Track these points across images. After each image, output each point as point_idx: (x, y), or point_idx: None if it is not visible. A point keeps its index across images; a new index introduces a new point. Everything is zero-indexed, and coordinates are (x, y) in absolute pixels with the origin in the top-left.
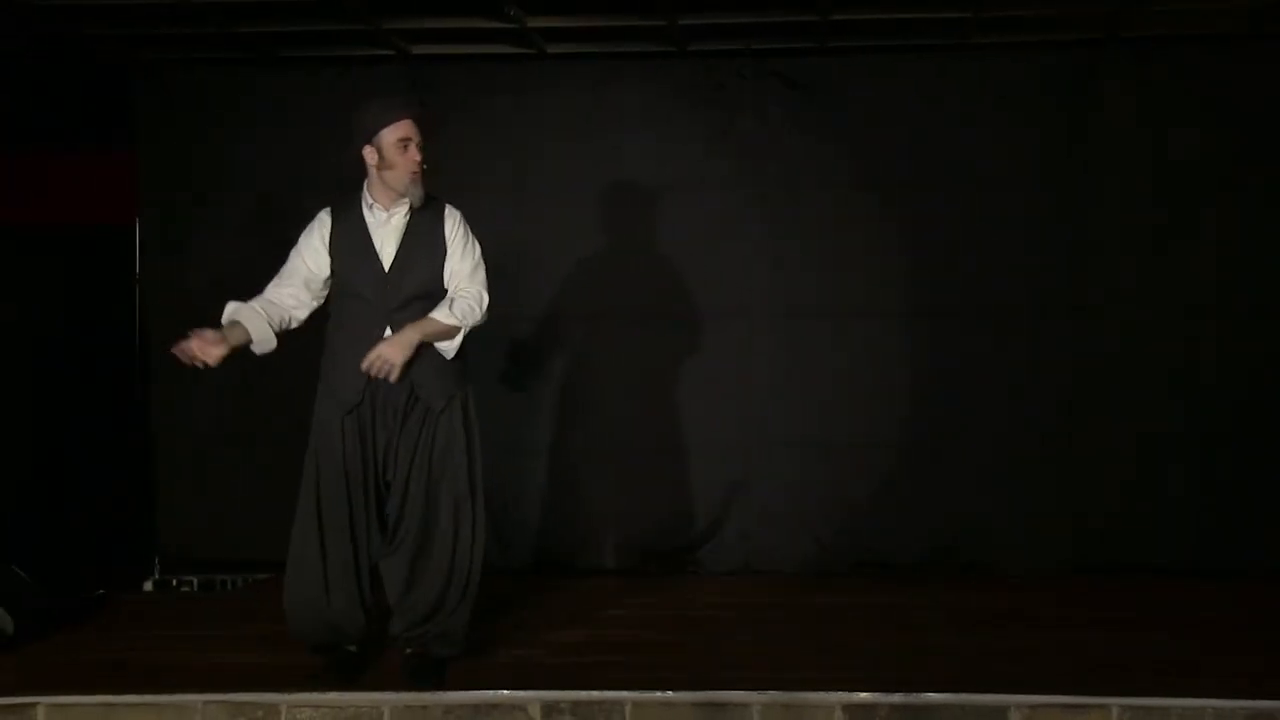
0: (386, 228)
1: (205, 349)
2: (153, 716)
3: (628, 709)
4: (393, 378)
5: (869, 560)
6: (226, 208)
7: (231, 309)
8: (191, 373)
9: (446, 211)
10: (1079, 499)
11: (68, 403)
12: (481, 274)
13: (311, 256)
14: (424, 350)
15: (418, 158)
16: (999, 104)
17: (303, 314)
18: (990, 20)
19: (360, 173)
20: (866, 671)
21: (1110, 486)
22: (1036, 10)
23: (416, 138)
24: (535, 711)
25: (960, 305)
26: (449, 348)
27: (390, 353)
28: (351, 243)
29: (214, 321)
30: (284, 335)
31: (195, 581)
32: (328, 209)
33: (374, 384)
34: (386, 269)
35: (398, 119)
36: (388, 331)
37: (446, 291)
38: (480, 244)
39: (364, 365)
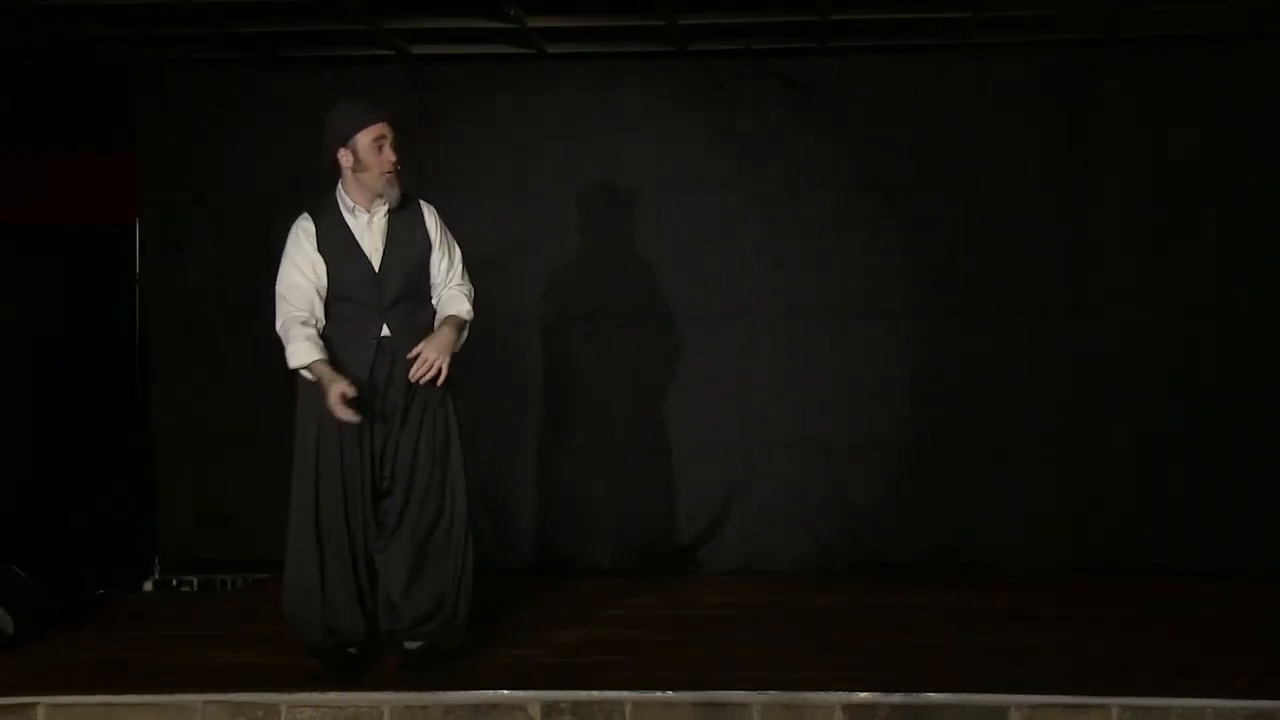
0: (370, 229)
1: (348, 401)
2: (153, 716)
3: (628, 709)
4: (441, 380)
5: (869, 560)
6: (226, 208)
7: (309, 352)
8: (191, 373)
9: (424, 208)
10: (1079, 499)
11: (68, 403)
12: (460, 268)
13: (310, 267)
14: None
15: (392, 158)
16: (999, 104)
17: (319, 325)
18: (990, 20)
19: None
20: (866, 671)
21: (1110, 486)
22: (1036, 10)
23: (391, 137)
24: (535, 711)
25: (960, 305)
26: (458, 342)
27: (436, 355)
28: (338, 246)
29: (213, 322)
30: None
31: (195, 581)
32: (306, 215)
33: (374, 383)
34: (377, 269)
35: (371, 121)
36: (385, 330)
37: (432, 286)
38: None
39: (413, 374)
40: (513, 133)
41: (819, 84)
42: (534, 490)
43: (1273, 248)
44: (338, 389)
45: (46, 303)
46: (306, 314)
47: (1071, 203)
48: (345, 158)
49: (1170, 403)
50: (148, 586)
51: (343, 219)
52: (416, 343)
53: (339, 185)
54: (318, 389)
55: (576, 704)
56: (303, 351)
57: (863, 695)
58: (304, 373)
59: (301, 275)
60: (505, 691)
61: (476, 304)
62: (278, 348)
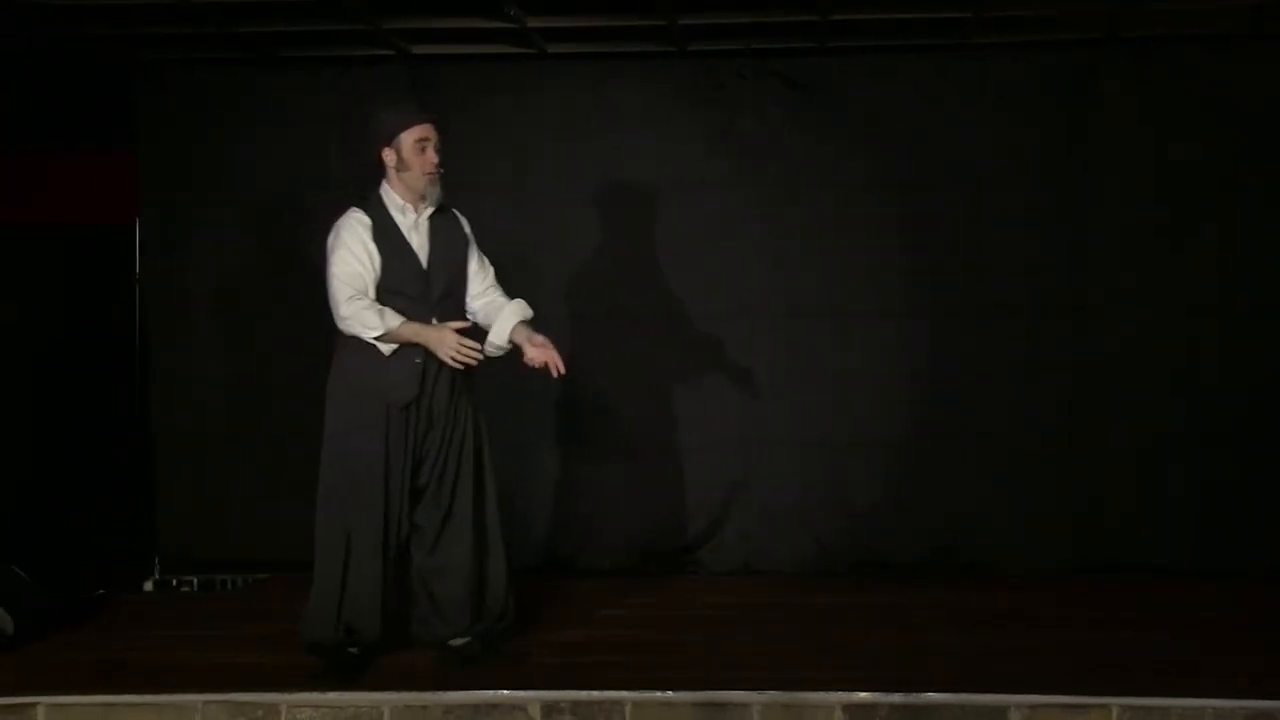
0: (416, 228)
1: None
2: (153, 716)
3: (628, 709)
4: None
5: (869, 560)
6: (226, 208)
7: (391, 316)
8: (191, 372)
9: (457, 214)
10: (1079, 499)
11: (67, 402)
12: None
13: (366, 258)
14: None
15: (435, 159)
16: (999, 104)
17: None
18: (990, 20)
19: (362, 171)
20: (866, 671)
21: (1110, 486)
22: (1036, 10)
23: (435, 140)
24: (535, 711)
25: (960, 305)
26: (503, 347)
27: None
28: (390, 242)
29: (212, 322)
30: None
31: (195, 581)
32: (360, 211)
33: (423, 382)
34: (425, 267)
35: (416, 122)
36: (540, 366)
37: (468, 289)
38: None
39: (554, 368)
40: (513, 133)
41: (819, 84)
42: (534, 490)
43: (1273, 248)
44: (453, 325)
45: (46, 303)
46: (365, 298)
47: (1071, 203)
48: (389, 157)
49: (1170, 403)
50: (148, 586)
51: (391, 216)
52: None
53: (384, 183)
54: (355, 382)
55: (576, 704)
56: (390, 316)
57: (863, 695)
58: (382, 347)
59: (360, 264)
60: (505, 691)
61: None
62: (277, 348)
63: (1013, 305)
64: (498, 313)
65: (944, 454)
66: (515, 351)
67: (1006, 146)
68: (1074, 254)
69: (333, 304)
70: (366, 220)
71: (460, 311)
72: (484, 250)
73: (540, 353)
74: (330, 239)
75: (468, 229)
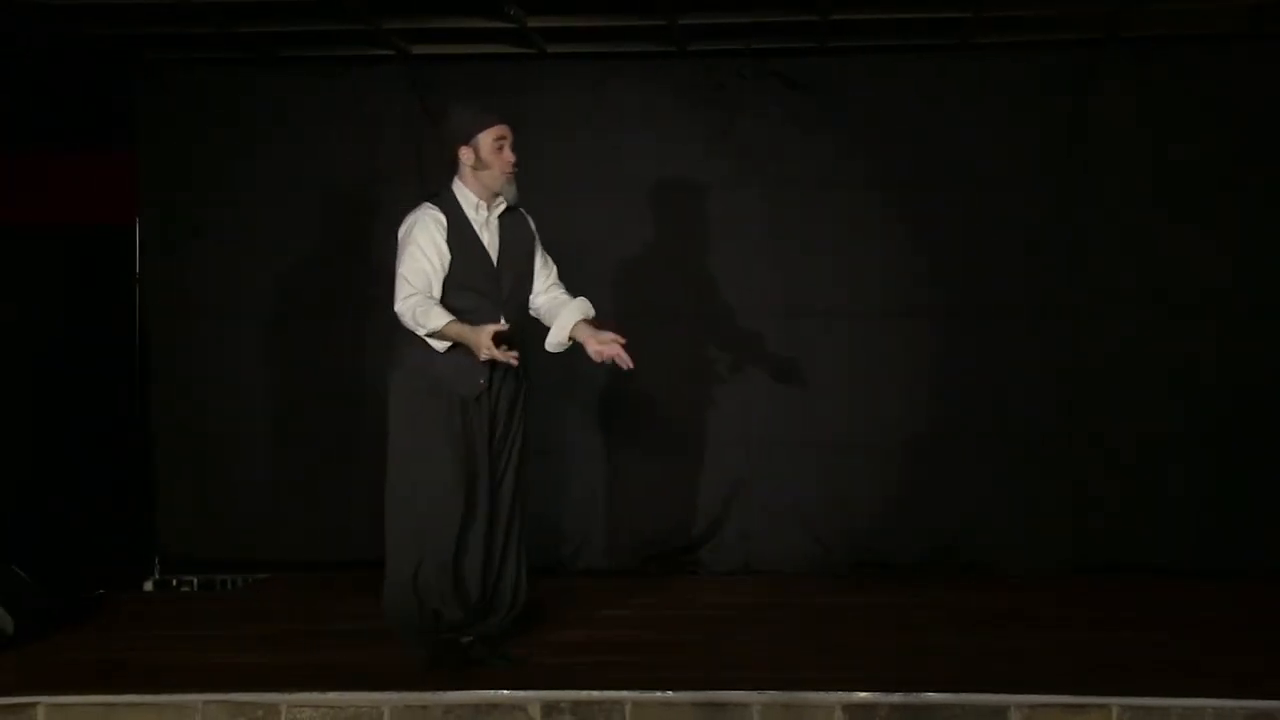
0: (487, 225)
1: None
2: (153, 716)
3: (628, 709)
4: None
5: (869, 560)
6: (226, 208)
7: (443, 314)
8: (191, 372)
9: (524, 212)
10: (1079, 499)
11: (68, 403)
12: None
13: (438, 256)
14: (524, 340)
15: (512, 158)
16: (999, 104)
17: None
18: (990, 20)
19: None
20: (867, 671)
21: (1110, 486)
22: (1036, 10)
23: (510, 138)
24: (535, 711)
25: (960, 305)
26: (564, 344)
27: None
28: (462, 240)
29: (212, 322)
30: None
31: (195, 581)
32: (434, 208)
33: (493, 376)
34: (495, 264)
35: (494, 122)
36: (502, 323)
37: (533, 285)
38: None
39: (625, 362)
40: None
41: (819, 84)
42: (534, 490)
43: (1273, 248)
44: (489, 329)
45: (46, 303)
46: (427, 296)
47: (1071, 202)
48: (466, 155)
49: (1170, 403)
50: (148, 586)
51: (464, 213)
52: (520, 338)
53: (455, 180)
54: (423, 376)
55: (576, 704)
56: (437, 315)
57: (862, 695)
58: (434, 343)
59: (428, 262)
60: (505, 691)
61: None
62: (276, 348)
63: (1013, 305)
64: (560, 310)
65: (944, 454)
66: (575, 349)
67: (1006, 146)
68: (1074, 254)
69: (396, 298)
70: (441, 218)
71: (524, 310)
72: None
73: (607, 348)
74: (402, 233)
75: (534, 226)
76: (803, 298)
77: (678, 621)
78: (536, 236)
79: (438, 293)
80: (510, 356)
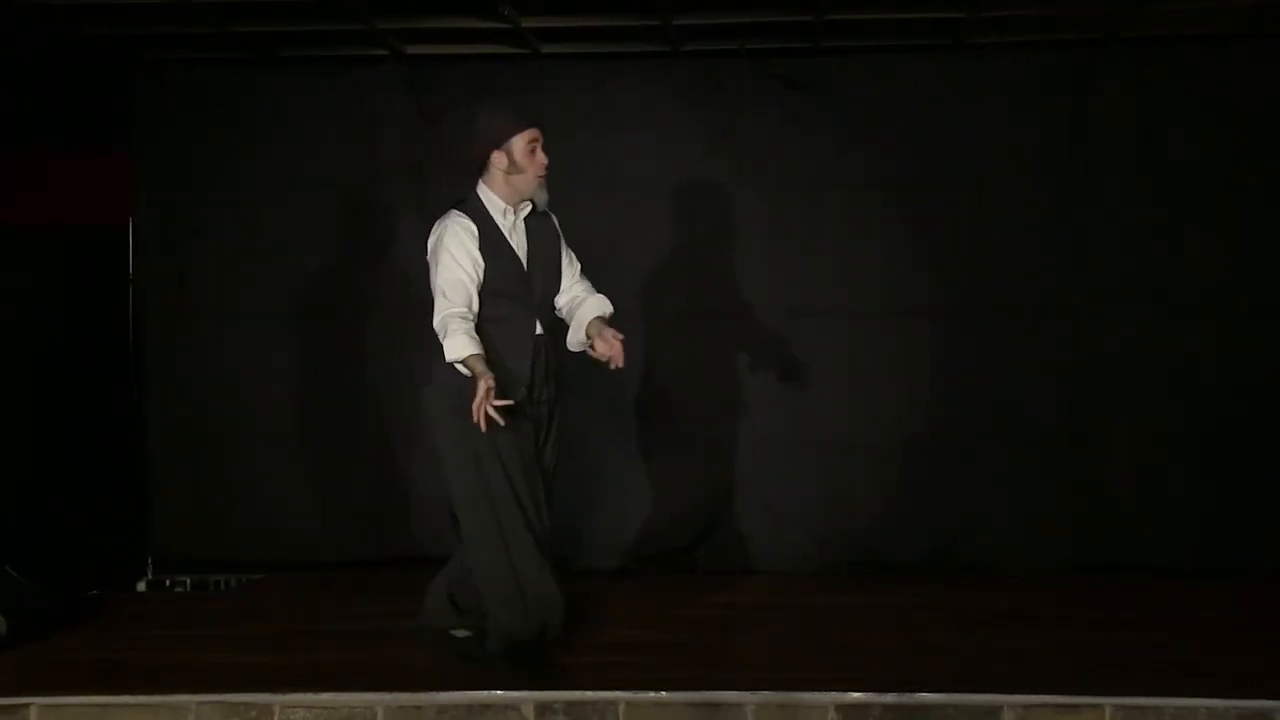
0: (515, 229)
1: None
2: (147, 717)
3: (621, 709)
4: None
5: (869, 560)
6: (226, 208)
7: (467, 345)
8: (187, 373)
9: (548, 212)
10: (1079, 499)
11: (67, 403)
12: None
13: (472, 266)
14: (556, 342)
15: (545, 160)
16: (999, 104)
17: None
18: (989, 20)
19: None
20: (866, 672)
21: (1110, 486)
22: (1036, 10)
23: (542, 140)
24: (529, 711)
25: (960, 305)
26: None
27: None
28: (493, 246)
29: (210, 322)
30: None
31: (189, 582)
32: (463, 216)
33: (534, 379)
34: (526, 268)
35: (527, 125)
36: (538, 328)
37: (560, 285)
38: None
39: (615, 356)
40: None
41: (818, 84)
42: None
43: (1273, 248)
44: (487, 383)
45: (46, 303)
46: (465, 309)
47: (1071, 202)
48: (499, 160)
49: (1170, 403)
50: (141, 587)
51: (492, 219)
52: (553, 341)
53: (481, 185)
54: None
55: (570, 704)
56: (459, 344)
57: (856, 695)
58: (460, 367)
59: (464, 272)
60: (499, 691)
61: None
62: (275, 349)
63: (1013, 305)
64: (579, 308)
65: (944, 454)
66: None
67: (1006, 146)
68: (1074, 254)
69: (435, 311)
70: (471, 226)
71: (553, 311)
72: None
73: (606, 347)
74: (432, 242)
75: (557, 225)
76: (802, 298)
77: (676, 621)
78: (561, 236)
79: (476, 302)
80: (496, 417)
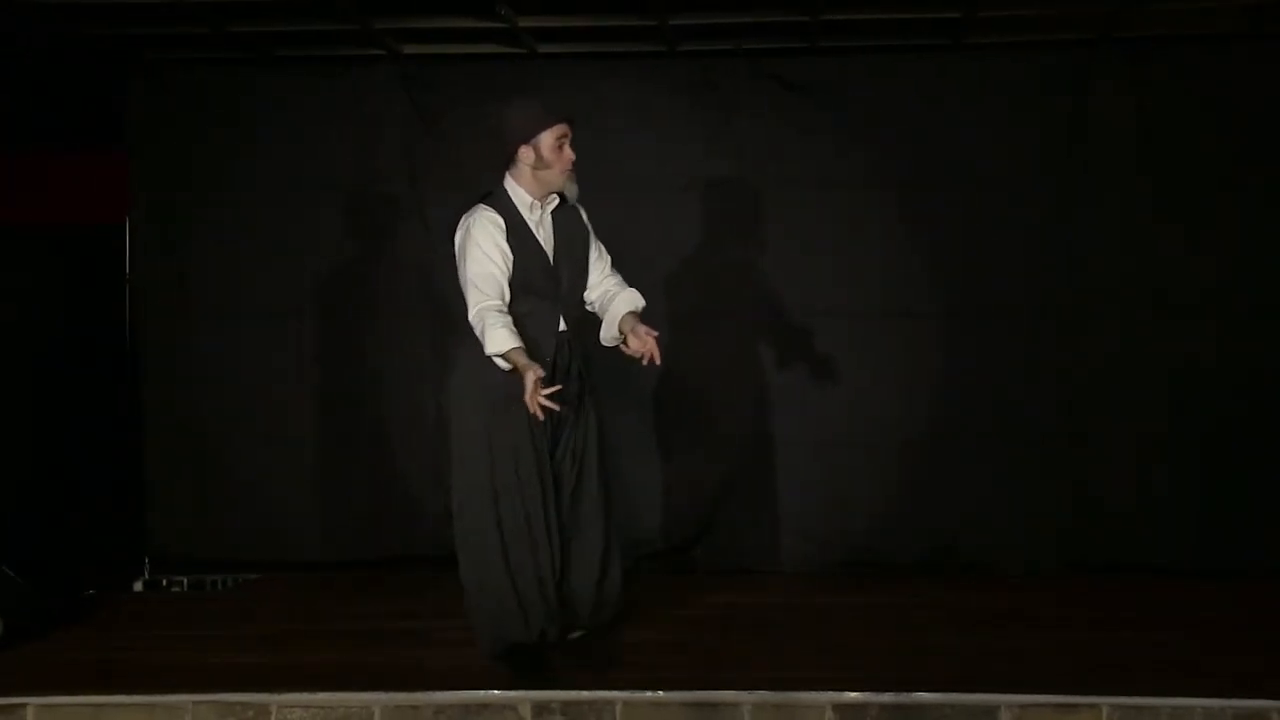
0: (541, 223)
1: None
2: (142, 717)
3: (618, 708)
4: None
5: (869, 560)
6: (224, 208)
7: (507, 339)
8: (185, 373)
9: (576, 206)
10: (1079, 499)
11: (66, 403)
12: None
13: (502, 259)
14: (583, 338)
15: (573, 156)
16: (999, 104)
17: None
18: (989, 20)
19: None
20: (866, 672)
21: (1110, 486)
22: (1036, 10)
23: (571, 135)
24: (526, 711)
25: (960, 305)
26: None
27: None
28: (520, 240)
29: (208, 323)
30: None
31: (185, 582)
32: (490, 210)
33: (554, 374)
34: (552, 263)
35: (556, 121)
36: (561, 323)
37: (588, 278)
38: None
39: (645, 351)
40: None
41: (817, 84)
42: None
43: (1273, 248)
44: (536, 374)
45: (46, 303)
46: (500, 302)
47: (1071, 202)
48: (526, 155)
49: (1170, 402)
50: (138, 587)
51: (519, 212)
52: (579, 336)
53: (508, 179)
54: (493, 382)
55: (567, 704)
56: (500, 339)
57: (853, 695)
58: (499, 361)
59: (494, 264)
60: (496, 691)
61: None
62: (273, 349)
63: (1013, 305)
64: (611, 303)
65: (944, 454)
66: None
67: (1006, 146)
68: (1074, 254)
69: (468, 305)
70: (499, 220)
71: (581, 305)
72: None
73: (639, 343)
74: (460, 238)
75: (585, 219)
76: (801, 298)
77: (675, 621)
78: (589, 229)
79: (508, 294)
80: (550, 404)
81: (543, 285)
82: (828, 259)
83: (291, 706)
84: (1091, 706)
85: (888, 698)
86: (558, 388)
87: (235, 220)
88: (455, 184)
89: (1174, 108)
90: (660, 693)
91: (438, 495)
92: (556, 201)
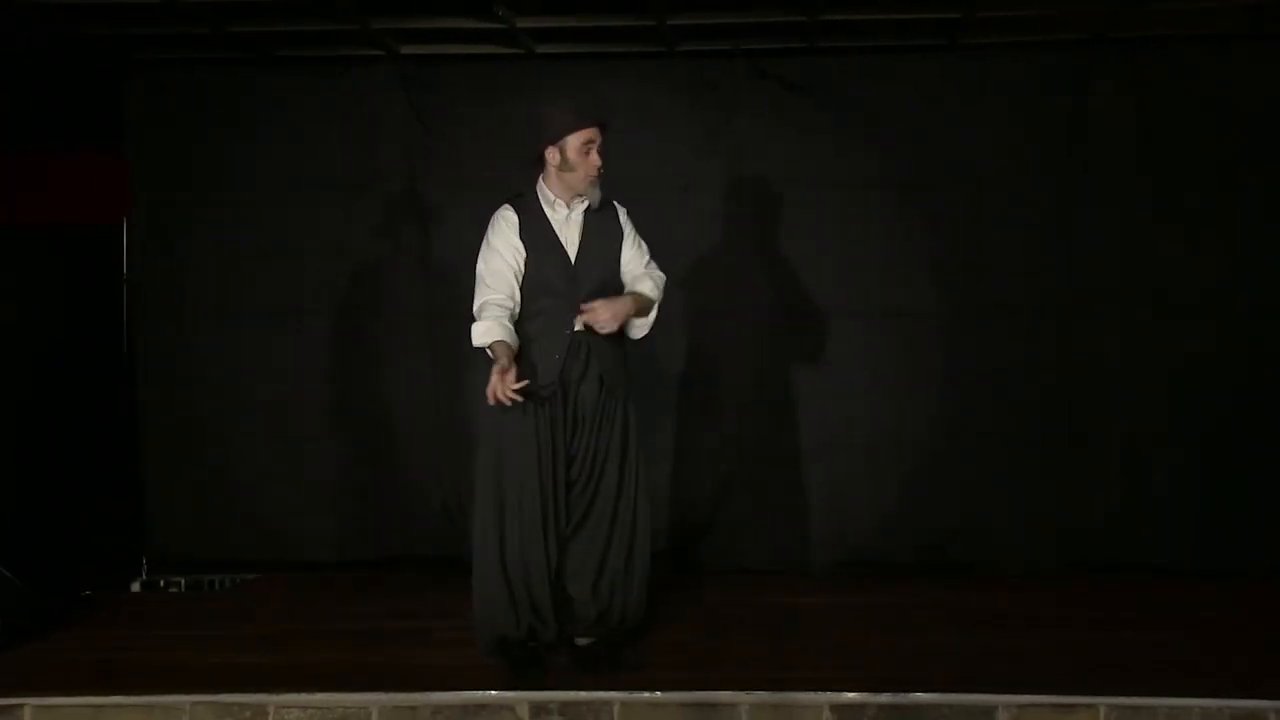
0: (568, 223)
1: (508, 386)
2: (140, 717)
3: (616, 709)
4: (604, 330)
5: (869, 560)
6: (223, 208)
7: (492, 331)
8: (183, 373)
9: (617, 207)
10: (1078, 499)
11: (66, 402)
12: (650, 260)
13: (512, 255)
14: (611, 340)
15: (598, 162)
16: (998, 104)
17: (515, 312)
18: (988, 20)
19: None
20: (866, 672)
21: (1110, 486)
22: (1036, 10)
23: (599, 142)
24: (524, 711)
25: (960, 305)
26: (644, 324)
27: (608, 313)
28: (538, 238)
29: (211, 320)
30: None
31: (183, 582)
32: (508, 206)
33: (566, 378)
34: (573, 262)
35: (582, 125)
36: (578, 325)
37: (623, 276)
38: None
39: (583, 319)
40: (510, 132)
41: (816, 84)
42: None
43: (1273, 248)
44: (500, 366)
45: (46, 303)
46: (504, 298)
47: (1071, 202)
48: (552, 156)
49: (1170, 402)
50: (135, 587)
51: (543, 212)
52: (606, 340)
53: (540, 179)
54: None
55: (565, 704)
56: (481, 330)
57: (850, 695)
58: (477, 340)
59: (503, 261)
60: (493, 692)
61: (666, 290)
62: (271, 349)
63: (1012, 305)
64: (628, 287)
65: (943, 454)
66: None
67: (1006, 146)
68: (1074, 254)
69: (475, 297)
70: (513, 218)
71: None
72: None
73: (598, 302)
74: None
75: (623, 219)
76: (800, 298)
77: (677, 621)
78: (625, 229)
79: (518, 292)
80: (504, 400)
81: (560, 285)
82: (828, 259)
83: (289, 707)
84: (1089, 707)
85: (885, 698)
86: (524, 383)
87: (235, 220)
88: (455, 184)
89: (1174, 108)
90: (658, 693)
91: (438, 495)
92: (586, 202)
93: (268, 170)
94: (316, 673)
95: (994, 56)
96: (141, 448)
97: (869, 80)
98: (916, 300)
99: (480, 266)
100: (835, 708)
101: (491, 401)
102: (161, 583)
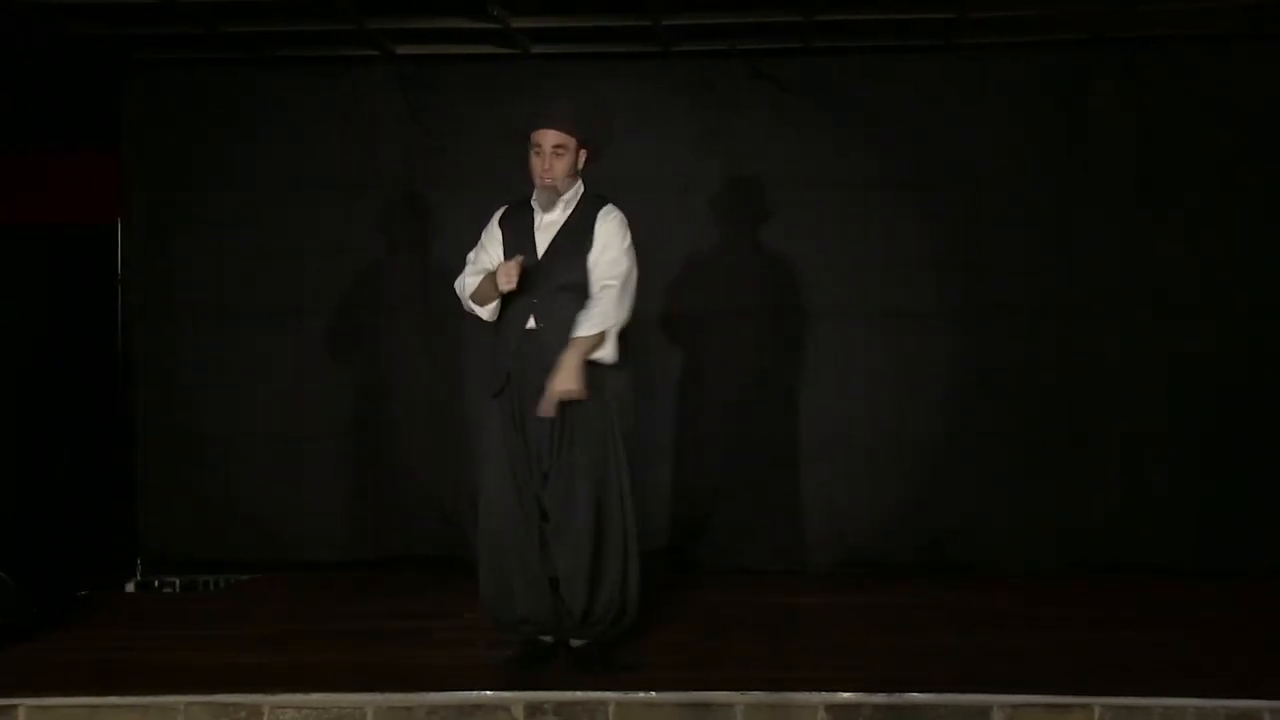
0: (547, 222)
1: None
2: (136, 717)
3: (611, 709)
4: (574, 396)
5: (869, 560)
6: (221, 208)
7: (470, 285)
8: (178, 373)
9: (603, 209)
10: (1078, 499)
11: (64, 403)
12: (621, 268)
13: (493, 247)
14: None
15: (541, 166)
16: (998, 104)
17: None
18: (988, 20)
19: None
20: (866, 672)
21: (1110, 486)
22: (1035, 10)
23: (547, 146)
24: (519, 712)
25: (960, 305)
26: (607, 351)
27: (564, 388)
28: (516, 234)
29: (209, 320)
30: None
31: (177, 583)
32: (503, 206)
33: (519, 369)
34: (539, 258)
35: (533, 126)
36: (531, 321)
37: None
38: (635, 245)
39: (544, 411)
40: (509, 132)
41: (817, 84)
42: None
43: (1273, 248)
44: (500, 272)
45: (43, 303)
46: (479, 273)
47: (1071, 202)
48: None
49: (1169, 403)
50: (130, 587)
51: (531, 207)
52: (563, 337)
53: None
54: (500, 380)
55: (560, 704)
56: (464, 285)
57: (846, 695)
58: (481, 310)
59: (483, 249)
60: (489, 692)
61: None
62: (269, 349)
63: (1012, 305)
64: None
65: (943, 454)
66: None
67: (1006, 146)
68: (1074, 254)
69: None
70: (501, 211)
71: (577, 307)
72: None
73: (554, 386)
74: None
75: (602, 221)
76: (799, 298)
77: (677, 621)
78: (604, 228)
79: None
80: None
81: (525, 281)
82: (828, 259)
83: (284, 707)
84: (1084, 706)
85: (881, 698)
86: (521, 257)
87: (234, 220)
88: (454, 183)
89: (1174, 108)
90: (653, 693)
91: (438, 495)
92: (575, 203)
93: (267, 170)
94: (316, 673)
95: (993, 56)
96: (138, 448)
97: (867, 80)
98: (916, 300)
99: (471, 253)
100: (830, 708)
101: (502, 281)
102: (156, 583)
